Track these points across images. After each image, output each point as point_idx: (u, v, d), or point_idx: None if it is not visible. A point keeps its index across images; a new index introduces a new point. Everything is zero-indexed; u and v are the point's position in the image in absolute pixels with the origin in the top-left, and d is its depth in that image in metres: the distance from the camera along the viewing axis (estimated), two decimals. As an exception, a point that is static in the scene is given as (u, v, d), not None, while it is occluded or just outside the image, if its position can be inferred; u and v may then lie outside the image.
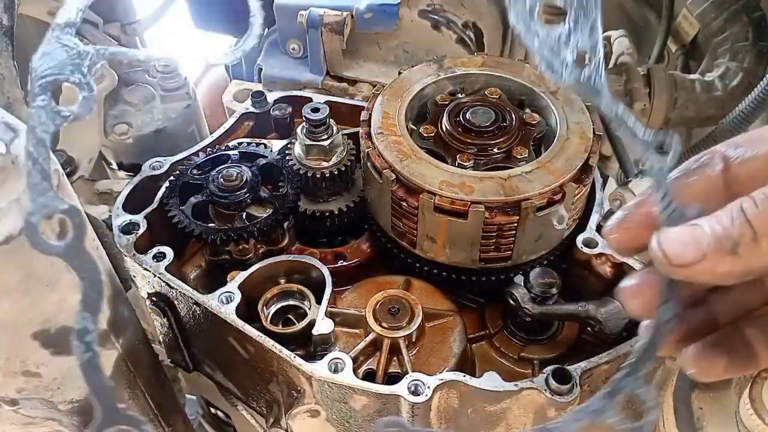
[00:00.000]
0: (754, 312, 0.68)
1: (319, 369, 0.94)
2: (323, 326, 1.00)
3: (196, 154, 1.23)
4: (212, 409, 1.92)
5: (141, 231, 1.10)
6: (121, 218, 1.11)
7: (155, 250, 1.08)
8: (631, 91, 2.09)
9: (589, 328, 1.06)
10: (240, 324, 0.99)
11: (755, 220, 0.57)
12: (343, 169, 1.20)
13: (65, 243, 0.55)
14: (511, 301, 1.05)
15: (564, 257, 1.13)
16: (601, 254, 1.08)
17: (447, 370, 0.99)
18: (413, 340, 1.04)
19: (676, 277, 0.60)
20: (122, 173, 1.74)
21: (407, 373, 0.95)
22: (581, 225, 1.12)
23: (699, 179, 0.64)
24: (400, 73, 1.19)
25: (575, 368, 0.94)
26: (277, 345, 0.97)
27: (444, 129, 1.10)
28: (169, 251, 1.07)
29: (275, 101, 1.39)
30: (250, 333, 0.98)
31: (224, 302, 1.02)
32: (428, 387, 0.91)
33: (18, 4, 1.29)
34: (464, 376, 0.92)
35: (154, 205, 1.15)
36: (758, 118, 1.65)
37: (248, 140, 1.30)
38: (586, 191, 1.08)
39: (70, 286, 0.76)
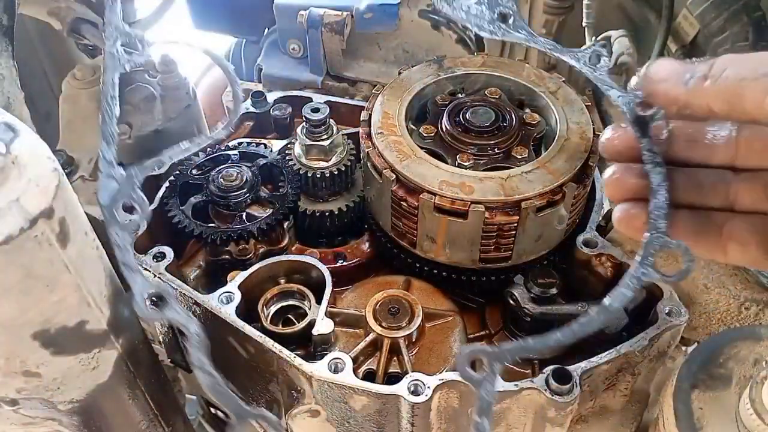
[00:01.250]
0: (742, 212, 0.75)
1: (319, 369, 0.94)
2: (323, 326, 1.00)
3: (196, 154, 1.23)
4: (212, 409, 1.92)
5: (141, 231, 1.10)
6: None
7: (155, 250, 1.08)
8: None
9: (589, 328, 1.06)
10: (240, 324, 0.99)
11: (715, 69, 0.68)
12: (343, 169, 1.20)
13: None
14: (511, 301, 1.05)
15: (564, 257, 1.13)
16: (601, 254, 1.08)
17: (447, 370, 0.99)
18: (413, 340, 1.04)
19: (647, 94, 0.72)
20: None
21: (407, 373, 0.95)
22: (581, 225, 1.12)
23: None
24: (400, 73, 1.19)
25: (575, 368, 0.94)
26: (277, 345, 0.97)
27: (444, 129, 1.10)
28: (169, 251, 1.07)
29: (275, 101, 1.39)
30: (250, 333, 0.98)
31: (224, 302, 1.02)
32: (428, 387, 0.91)
33: (18, 4, 1.29)
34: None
35: (154, 205, 1.15)
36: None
37: (248, 140, 1.30)
38: (586, 191, 1.08)
39: (70, 286, 0.76)
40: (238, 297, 1.02)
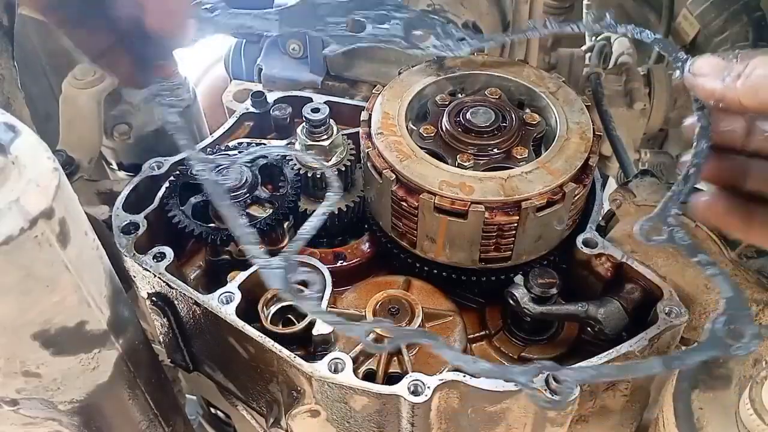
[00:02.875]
0: None
1: (319, 369, 0.94)
2: (323, 326, 1.00)
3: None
4: (212, 409, 1.92)
5: (141, 231, 1.10)
6: (121, 218, 1.11)
7: (155, 250, 1.08)
8: (631, 91, 2.09)
9: (588, 329, 1.06)
10: (240, 324, 0.99)
11: (748, 69, 0.77)
12: (343, 169, 1.20)
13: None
14: (511, 301, 1.05)
15: (564, 257, 1.13)
16: (601, 254, 1.08)
17: (447, 370, 0.99)
18: (413, 340, 1.04)
19: (690, 86, 0.83)
20: (122, 173, 1.74)
21: (407, 373, 0.95)
22: (581, 225, 1.12)
23: None
24: (400, 73, 1.19)
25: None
26: (277, 345, 0.97)
27: (444, 129, 1.10)
28: (169, 251, 1.07)
29: (275, 101, 1.39)
30: (250, 333, 0.98)
31: (224, 302, 1.02)
32: (428, 387, 0.91)
33: (18, 4, 1.29)
34: (464, 376, 0.92)
35: (154, 205, 1.15)
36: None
37: (248, 140, 1.29)
38: (585, 191, 1.08)
39: (70, 286, 0.76)
40: (238, 297, 1.02)
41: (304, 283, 0.88)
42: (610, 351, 0.96)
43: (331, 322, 0.86)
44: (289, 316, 1.07)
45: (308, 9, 1.13)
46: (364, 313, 1.04)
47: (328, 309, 1.03)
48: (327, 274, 1.07)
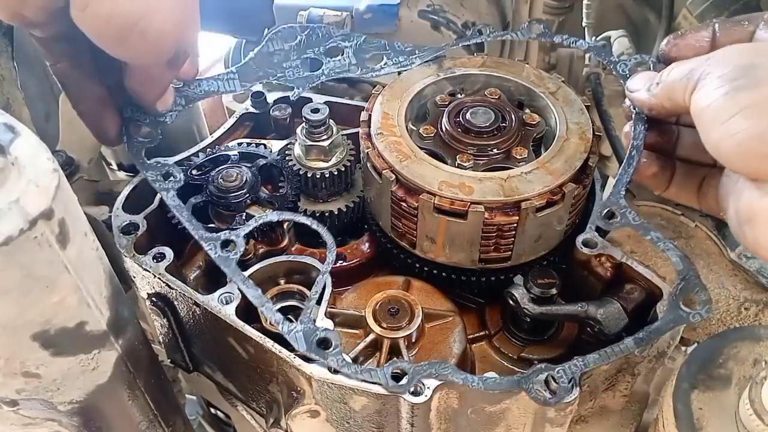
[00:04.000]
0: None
1: (319, 369, 0.94)
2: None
3: (196, 154, 1.23)
4: (212, 409, 1.92)
5: (141, 231, 1.10)
6: (121, 219, 1.11)
7: (155, 250, 1.07)
8: (631, 91, 2.09)
9: (588, 329, 1.06)
10: (240, 324, 0.99)
11: (664, 75, 0.92)
12: (343, 169, 1.20)
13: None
14: (511, 302, 1.05)
15: (564, 257, 1.13)
16: (600, 254, 1.08)
17: (447, 371, 0.99)
18: (413, 340, 1.04)
19: (631, 101, 1.02)
20: (122, 173, 1.74)
21: (407, 373, 0.95)
22: (581, 225, 1.12)
23: (689, 39, 0.98)
24: (399, 73, 1.19)
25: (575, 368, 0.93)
26: (277, 345, 0.97)
27: (444, 129, 1.10)
28: (169, 252, 1.07)
29: (275, 101, 1.39)
30: (250, 333, 0.98)
31: (224, 303, 1.02)
32: (428, 387, 0.91)
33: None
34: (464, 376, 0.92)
35: (154, 205, 1.15)
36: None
37: (248, 140, 1.30)
38: (585, 191, 1.08)
39: (69, 287, 0.76)
40: (238, 297, 1.02)
41: (326, 343, 0.91)
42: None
43: (353, 374, 0.90)
44: (289, 316, 1.07)
45: (264, 59, 1.23)
46: (363, 314, 1.04)
47: (328, 309, 1.03)
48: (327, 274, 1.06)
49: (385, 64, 1.22)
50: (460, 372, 0.89)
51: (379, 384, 0.89)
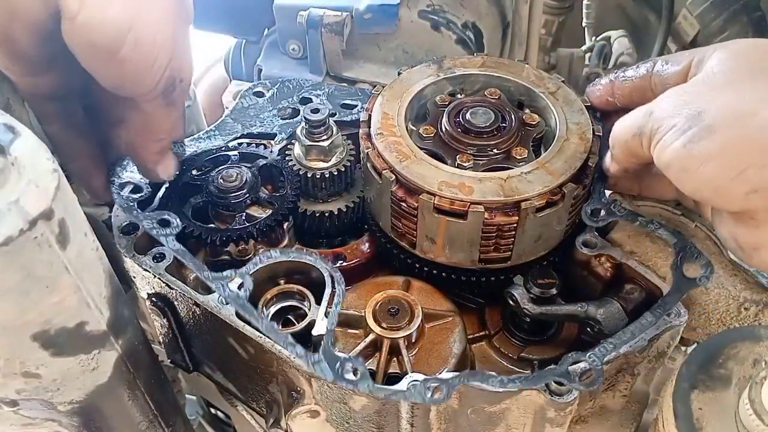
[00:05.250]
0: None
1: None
2: (323, 327, 1.00)
3: (196, 154, 1.23)
4: (212, 409, 1.93)
5: (141, 232, 1.10)
6: (121, 219, 1.11)
7: (155, 250, 1.07)
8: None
9: (588, 329, 1.06)
10: (240, 324, 0.99)
11: (612, 138, 1.01)
12: (343, 169, 1.20)
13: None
14: (511, 302, 1.05)
15: (564, 257, 1.13)
16: (600, 254, 1.08)
17: (447, 371, 0.99)
18: (413, 340, 1.04)
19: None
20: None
21: (407, 373, 0.95)
22: (581, 225, 1.12)
23: (629, 77, 1.06)
24: (399, 73, 1.19)
25: (575, 369, 0.94)
26: (276, 345, 0.97)
27: (443, 129, 1.10)
28: (169, 252, 1.07)
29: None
30: (250, 333, 0.98)
31: (224, 302, 1.02)
32: (428, 388, 0.91)
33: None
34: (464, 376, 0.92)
35: (154, 205, 1.15)
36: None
37: (248, 140, 1.30)
38: (585, 191, 1.08)
39: (69, 287, 0.76)
40: (237, 297, 1.02)
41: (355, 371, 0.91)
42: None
43: (378, 391, 0.91)
44: (289, 316, 1.07)
45: (240, 114, 1.30)
46: (363, 314, 1.04)
47: (328, 309, 1.03)
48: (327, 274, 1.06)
49: (360, 109, 1.29)
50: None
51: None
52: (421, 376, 0.91)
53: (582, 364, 0.92)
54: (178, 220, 1.06)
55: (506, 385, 0.90)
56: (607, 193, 1.12)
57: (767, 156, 0.81)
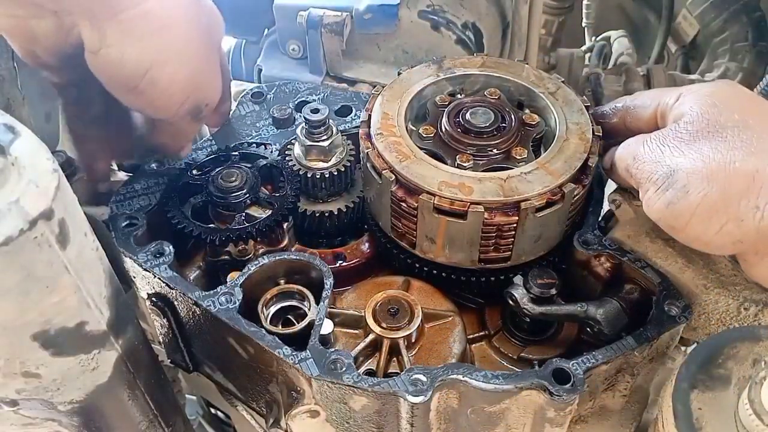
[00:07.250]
0: None
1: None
2: (323, 327, 1.00)
3: (196, 154, 1.23)
4: (212, 409, 1.93)
5: (141, 232, 1.10)
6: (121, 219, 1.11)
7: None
8: (631, 91, 2.09)
9: (588, 329, 1.06)
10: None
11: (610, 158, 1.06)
12: (343, 169, 1.20)
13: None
14: (511, 302, 1.05)
15: (564, 257, 1.13)
16: (600, 254, 1.08)
17: (446, 371, 0.99)
18: (413, 340, 1.04)
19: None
20: (122, 173, 1.74)
21: (407, 373, 0.95)
22: (581, 225, 1.12)
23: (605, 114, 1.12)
24: (399, 73, 1.19)
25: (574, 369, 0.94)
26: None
27: (443, 130, 1.10)
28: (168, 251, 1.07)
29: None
30: (250, 333, 0.98)
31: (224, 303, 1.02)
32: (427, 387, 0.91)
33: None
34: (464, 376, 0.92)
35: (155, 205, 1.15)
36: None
37: (248, 140, 1.30)
38: (585, 192, 1.08)
39: (69, 287, 0.76)
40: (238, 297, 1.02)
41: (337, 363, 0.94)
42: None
43: (373, 386, 0.92)
44: (289, 316, 1.07)
45: (236, 123, 1.31)
46: (363, 314, 1.04)
47: (328, 309, 1.03)
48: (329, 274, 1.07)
49: (355, 115, 1.30)
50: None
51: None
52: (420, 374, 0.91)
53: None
54: (171, 247, 1.06)
55: (490, 381, 0.91)
56: (609, 192, 1.12)
57: (741, 209, 0.84)
